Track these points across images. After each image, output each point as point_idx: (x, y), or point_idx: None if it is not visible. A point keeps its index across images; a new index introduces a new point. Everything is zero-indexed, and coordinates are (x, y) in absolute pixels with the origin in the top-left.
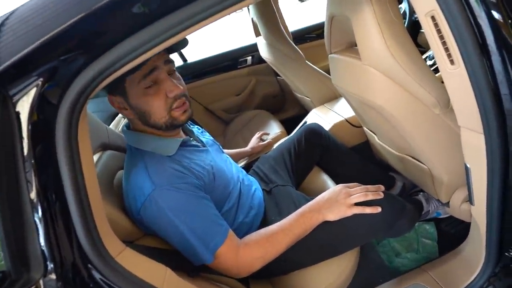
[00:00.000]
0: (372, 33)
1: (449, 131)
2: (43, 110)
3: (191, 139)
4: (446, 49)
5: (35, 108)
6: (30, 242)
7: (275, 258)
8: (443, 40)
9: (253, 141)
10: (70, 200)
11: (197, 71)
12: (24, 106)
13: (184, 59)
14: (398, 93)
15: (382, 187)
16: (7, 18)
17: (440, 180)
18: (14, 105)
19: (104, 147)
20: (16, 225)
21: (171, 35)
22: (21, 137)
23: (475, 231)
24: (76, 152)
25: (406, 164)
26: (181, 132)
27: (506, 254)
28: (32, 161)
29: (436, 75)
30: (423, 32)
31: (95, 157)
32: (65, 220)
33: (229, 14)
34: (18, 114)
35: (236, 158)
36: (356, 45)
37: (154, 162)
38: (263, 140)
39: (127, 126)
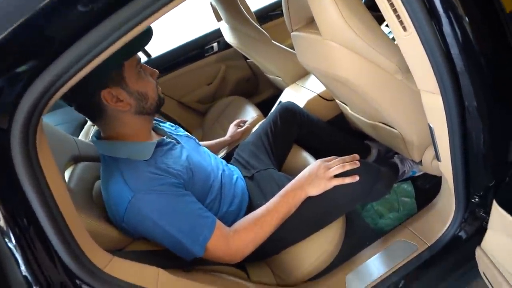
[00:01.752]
0: (328, 6)
1: (412, 95)
2: None
3: (165, 137)
4: (398, 17)
5: None
6: (10, 271)
7: (267, 239)
8: (393, 8)
9: (231, 130)
10: (43, 221)
11: (164, 65)
12: None
13: (148, 55)
14: (360, 63)
15: (358, 156)
16: None
17: (410, 142)
18: None
19: (75, 159)
20: None
21: (124, 31)
22: None
23: (445, 184)
24: (40, 172)
25: (378, 131)
26: (154, 134)
27: (472, 200)
28: None
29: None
30: None
31: (68, 171)
32: (43, 242)
33: (178, 4)
34: None
35: (215, 149)
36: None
37: (130, 169)
38: (241, 127)
39: (97, 136)
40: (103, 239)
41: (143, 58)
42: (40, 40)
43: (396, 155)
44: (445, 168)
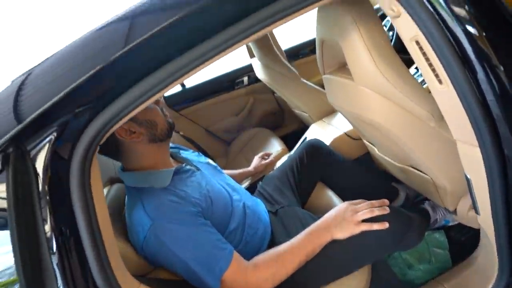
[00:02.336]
0: (362, 55)
1: (446, 142)
2: (56, 163)
3: (184, 165)
4: (433, 70)
5: (49, 162)
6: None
7: (287, 280)
8: (429, 62)
9: (255, 161)
10: (86, 245)
11: (196, 95)
12: (39, 161)
13: (183, 85)
14: (393, 109)
15: (387, 202)
16: (29, 74)
17: (443, 188)
18: (32, 159)
19: (111, 181)
20: (36, 272)
21: (168, 84)
22: (38, 192)
23: (485, 239)
24: (90, 198)
25: (408, 174)
26: (172, 161)
27: None
28: (50, 214)
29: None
30: None
31: (104, 191)
32: (81, 264)
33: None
34: (35, 168)
35: (238, 178)
36: (347, 65)
37: (150, 197)
38: (265, 159)
39: (122, 168)
40: (126, 260)
41: (178, 87)
42: (104, 87)
43: (427, 201)
44: (484, 222)
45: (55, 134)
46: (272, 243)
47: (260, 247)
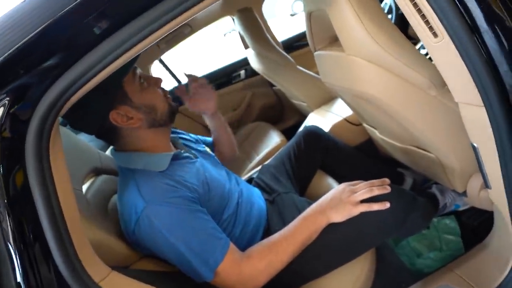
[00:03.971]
0: (350, 21)
1: (450, 113)
2: (12, 127)
3: (182, 151)
4: (427, 22)
5: (4, 127)
6: (4, 275)
7: (284, 270)
8: (421, 14)
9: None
10: (44, 222)
11: None
12: None
13: (179, 81)
14: (388, 79)
15: (388, 181)
16: None
17: (451, 167)
18: None
19: (96, 171)
20: None
21: (137, 40)
22: None
23: (499, 219)
24: (48, 169)
25: (412, 156)
26: (172, 146)
27: None
28: (3, 187)
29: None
30: None
31: (88, 183)
32: (41, 245)
33: (191, 16)
34: None
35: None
36: (338, 39)
37: (145, 179)
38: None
39: (115, 148)
40: (110, 253)
41: (174, 83)
42: (62, 45)
43: (434, 185)
44: (497, 197)
45: (8, 98)
46: (268, 232)
47: (254, 237)
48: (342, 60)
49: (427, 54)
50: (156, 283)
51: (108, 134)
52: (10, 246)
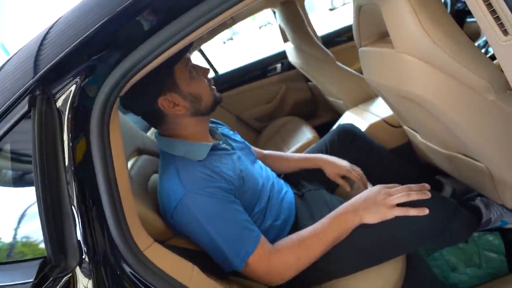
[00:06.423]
0: (406, 16)
1: (509, 120)
2: (82, 101)
3: (221, 143)
4: (497, 18)
5: (74, 101)
6: (68, 232)
7: (310, 266)
8: (491, 9)
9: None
10: (103, 192)
11: (228, 82)
12: (64, 102)
13: (215, 71)
14: (441, 79)
15: (428, 186)
16: (47, 33)
17: (502, 180)
18: (56, 102)
19: (139, 151)
20: (57, 217)
21: (189, 32)
22: (62, 130)
23: None
24: (108, 145)
25: (456, 164)
26: (210, 137)
27: None
28: (71, 154)
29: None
30: (468, 22)
31: (131, 161)
32: (98, 213)
33: (245, 7)
34: (59, 111)
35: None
36: (387, 36)
37: (185, 167)
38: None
39: (159, 132)
40: (148, 227)
41: (210, 74)
42: (124, 34)
43: (479, 198)
44: None
45: (79, 77)
46: (296, 227)
47: (283, 230)
48: (390, 57)
49: (486, 53)
50: (191, 260)
51: (154, 117)
52: (73, 208)
